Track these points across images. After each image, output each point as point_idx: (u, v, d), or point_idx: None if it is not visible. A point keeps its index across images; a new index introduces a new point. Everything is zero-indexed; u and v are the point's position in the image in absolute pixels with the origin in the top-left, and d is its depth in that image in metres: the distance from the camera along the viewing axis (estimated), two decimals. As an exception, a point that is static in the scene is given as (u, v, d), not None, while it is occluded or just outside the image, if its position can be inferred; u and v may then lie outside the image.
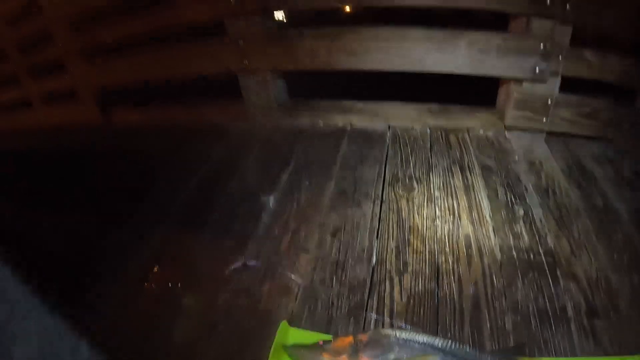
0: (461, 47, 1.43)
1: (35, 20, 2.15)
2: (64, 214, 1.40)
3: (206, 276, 1.06)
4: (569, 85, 1.52)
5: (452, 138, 1.53)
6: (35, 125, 2.57)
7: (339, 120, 1.65)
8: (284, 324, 0.83)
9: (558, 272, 0.97)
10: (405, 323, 0.86)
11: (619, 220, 1.17)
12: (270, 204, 1.27)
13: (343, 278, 0.99)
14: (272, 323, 0.89)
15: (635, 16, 1.44)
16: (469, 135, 1.55)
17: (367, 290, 0.95)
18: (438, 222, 1.14)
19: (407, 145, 1.49)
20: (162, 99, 2.10)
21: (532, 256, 1.02)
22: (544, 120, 1.54)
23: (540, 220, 1.14)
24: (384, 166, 1.39)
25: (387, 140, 1.53)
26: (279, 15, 1.60)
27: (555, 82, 1.51)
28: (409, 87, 1.82)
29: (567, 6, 1.32)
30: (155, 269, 1.11)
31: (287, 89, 1.77)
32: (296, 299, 0.95)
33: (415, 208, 1.20)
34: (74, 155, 1.89)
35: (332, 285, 0.97)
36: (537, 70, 1.43)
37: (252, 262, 1.05)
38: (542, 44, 1.39)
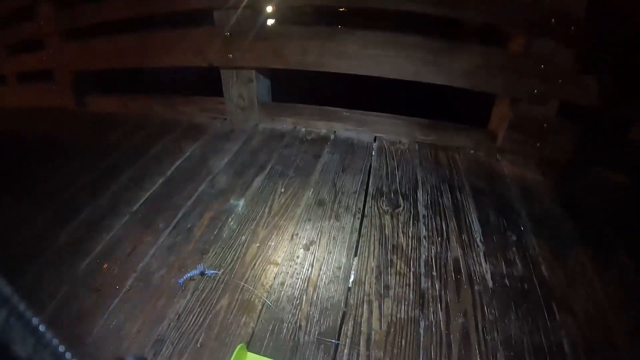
0: (458, 60, 1.35)
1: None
2: (21, 202, 1.29)
3: (157, 281, 0.91)
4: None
5: (442, 156, 1.44)
6: (8, 104, 2.35)
7: (323, 127, 1.54)
8: (241, 347, 0.69)
9: (554, 305, 0.87)
10: (384, 354, 0.74)
11: (615, 253, 1.09)
12: (240, 208, 1.14)
13: (314, 298, 0.86)
14: (228, 345, 0.76)
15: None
16: (459, 154, 1.47)
17: (341, 314, 0.82)
18: (425, 242, 1.03)
19: (393, 159, 1.39)
20: (139, 90, 1.96)
21: (525, 286, 0.92)
22: (538, 144, 1.47)
23: (534, 249, 1.04)
24: (367, 178, 1.29)
25: (373, 152, 1.43)
26: (270, 10, 1.49)
27: (553, 106, 1.44)
28: (399, 98, 1.73)
29: (572, 28, 1.27)
30: (105, 267, 0.96)
31: (272, 90, 1.65)
32: (259, 318, 0.82)
33: (400, 226, 1.09)
34: (41, 141, 1.74)
35: (301, 305, 0.84)
36: (536, 92, 1.37)
37: (211, 271, 0.91)
38: (542, 65, 1.32)
